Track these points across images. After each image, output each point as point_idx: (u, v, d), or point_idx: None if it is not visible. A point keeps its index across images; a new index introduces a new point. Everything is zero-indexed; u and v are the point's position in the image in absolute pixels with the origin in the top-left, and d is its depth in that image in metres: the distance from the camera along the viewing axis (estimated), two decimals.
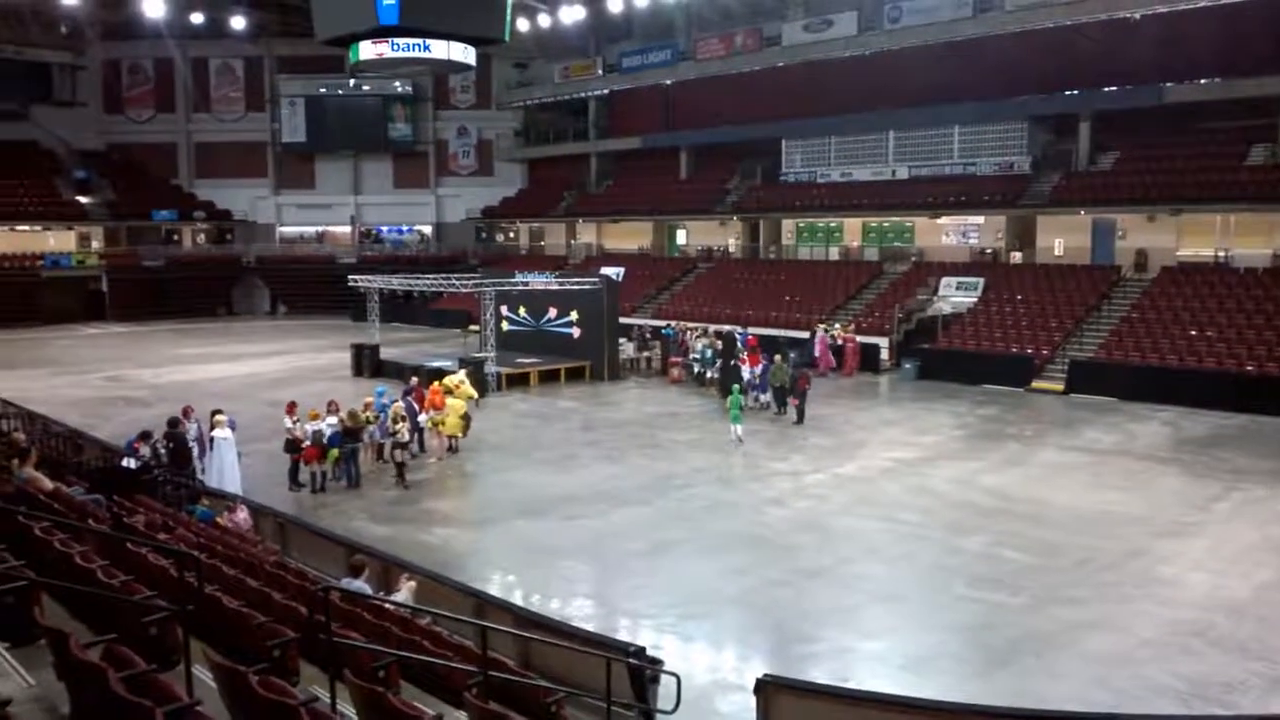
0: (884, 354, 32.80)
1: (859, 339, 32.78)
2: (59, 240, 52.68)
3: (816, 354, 32.20)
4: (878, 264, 40.10)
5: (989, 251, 37.98)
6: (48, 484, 11.19)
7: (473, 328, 35.59)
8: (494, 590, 12.69)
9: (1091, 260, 34.99)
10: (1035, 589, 13.13)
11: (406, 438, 19.14)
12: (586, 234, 54.28)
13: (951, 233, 39.64)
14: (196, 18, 50.72)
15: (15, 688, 5.62)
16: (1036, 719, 8.56)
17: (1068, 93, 36.37)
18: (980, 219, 38.55)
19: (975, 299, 34.36)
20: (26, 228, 51.64)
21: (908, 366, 31.16)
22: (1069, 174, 36.19)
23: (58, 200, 53.23)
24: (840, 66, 41.00)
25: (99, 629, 6.49)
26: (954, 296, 35.18)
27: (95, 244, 53.87)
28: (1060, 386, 28.06)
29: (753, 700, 8.75)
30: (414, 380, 23.29)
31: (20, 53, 51.43)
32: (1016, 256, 36.95)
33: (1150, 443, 22.03)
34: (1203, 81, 32.69)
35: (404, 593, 10.22)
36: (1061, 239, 36.03)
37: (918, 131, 39.95)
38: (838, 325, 34.05)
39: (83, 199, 53.78)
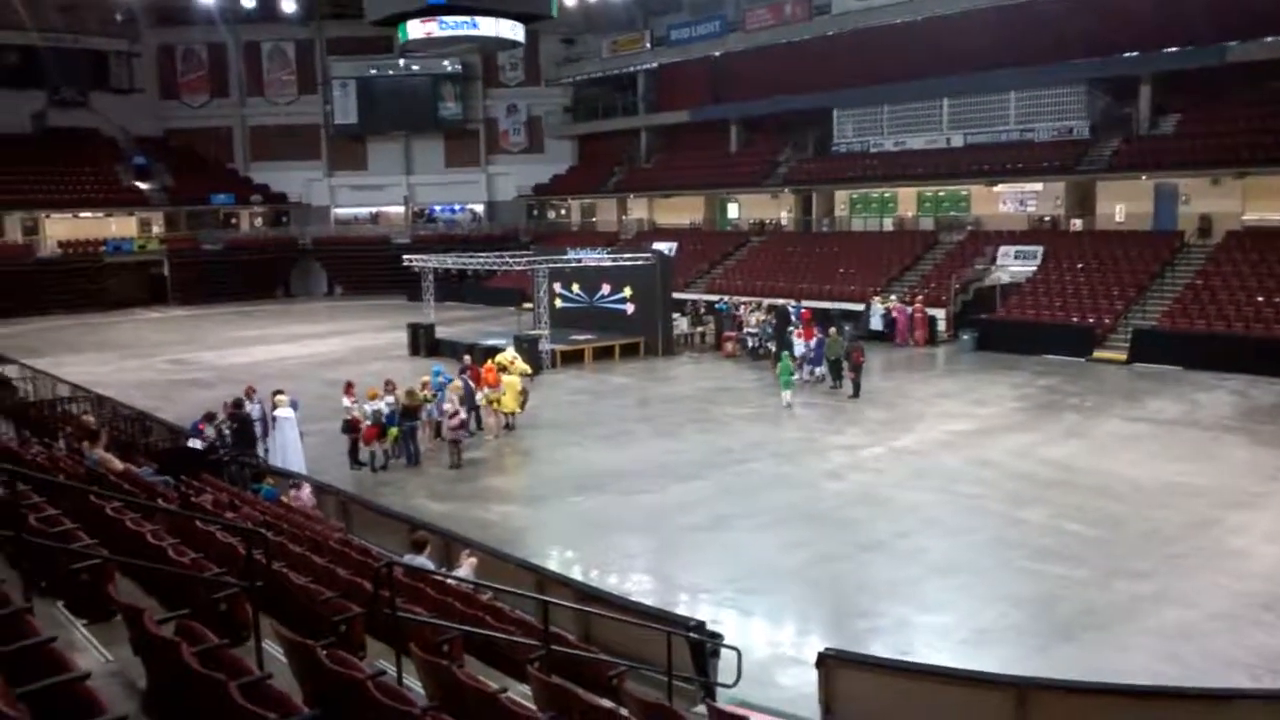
0: (941, 325, 32.45)
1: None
2: (120, 226, 53.58)
3: (885, 327, 32.27)
4: (933, 234, 39.57)
5: (1048, 219, 37.27)
6: (118, 465, 11.46)
7: (526, 305, 35.74)
8: (553, 565, 12.80)
9: (1153, 226, 34.18)
10: (1099, 562, 12.94)
11: (463, 417, 19.20)
12: (638, 209, 54.14)
13: (1009, 200, 38.94)
14: (248, 2, 51.25)
15: (94, 662, 5.76)
16: (1101, 693, 8.45)
17: (1127, 55, 35.44)
18: (1038, 186, 37.80)
19: (1034, 268, 33.79)
20: (89, 214, 52.60)
21: (965, 338, 30.77)
22: (1129, 138, 35.34)
23: (118, 186, 54.20)
24: (892, 33, 40.40)
25: (171, 605, 6.64)
26: (1012, 266, 34.64)
27: (155, 229, 54.75)
28: (1123, 356, 27.55)
29: (813, 674, 8.75)
30: (467, 359, 23.47)
31: (78, 41, 52.46)
32: (1076, 224, 36.19)
33: (1217, 412, 21.58)
34: (1268, 39, 31.68)
35: (465, 568, 10.32)
36: (1122, 205, 35.22)
37: (973, 98, 39.17)
38: (894, 297, 33.74)
39: (142, 185, 54.71)
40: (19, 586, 6.24)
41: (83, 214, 52.34)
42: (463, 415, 19.14)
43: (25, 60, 52.03)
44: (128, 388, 26.25)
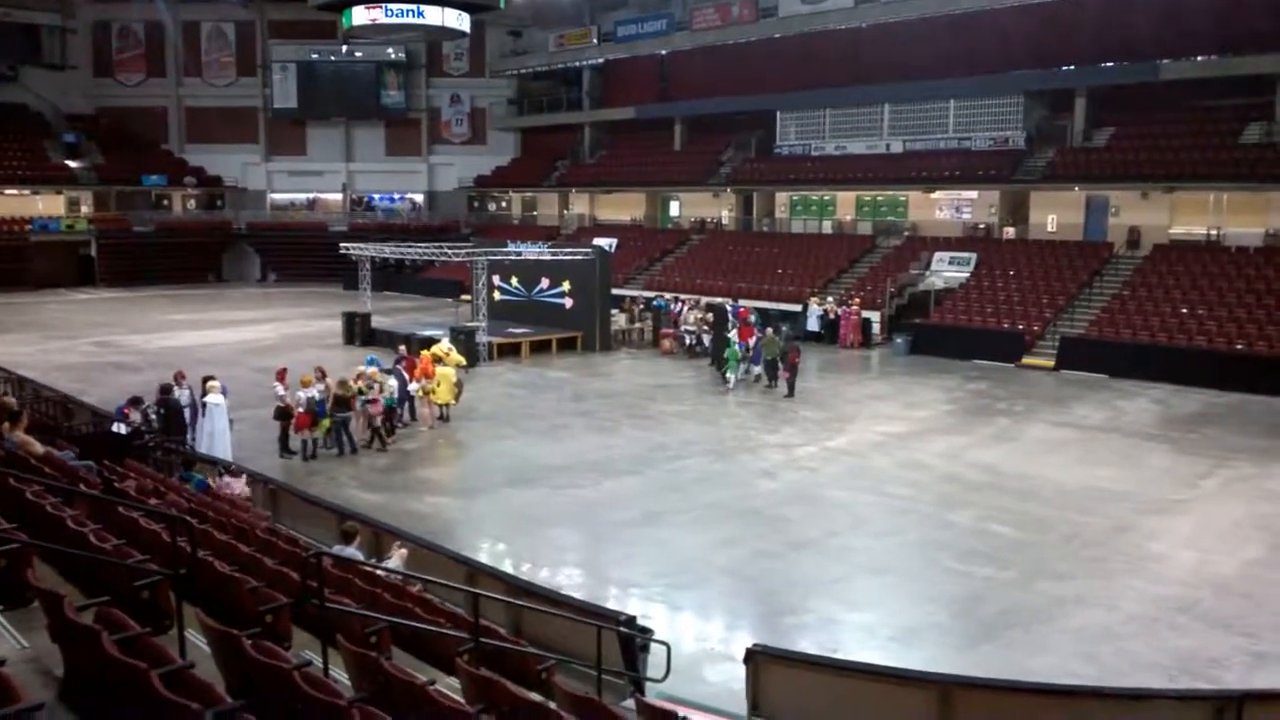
0: (875, 328, 32.84)
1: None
2: (47, 204, 52.17)
3: (821, 328, 32.63)
4: (870, 238, 40.04)
5: (982, 227, 37.93)
6: (39, 448, 11.14)
7: (465, 297, 35.50)
8: (484, 558, 12.72)
9: (1084, 237, 34.97)
10: (1023, 563, 13.22)
11: (383, 406, 19.13)
12: (579, 204, 54.06)
13: (945, 207, 39.57)
14: None
15: (9, 649, 5.62)
16: (1022, 691, 8.63)
17: (1064, 68, 36.24)
18: (974, 194, 38.47)
19: (967, 274, 34.34)
20: (15, 191, 51.10)
21: (899, 341, 31.19)
22: (1063, 150, 36.09)
23: (46, 164, 52.67)
24: (837, 38, 40.76)
25: (91, 592, 6.49)
26: (946, 271, 35.17)
27: (84, 208, 53.40)
28: (1051, 363, 28.14)
29: (741, 670, 8.81)
30: (403, 349, 23.27)
31: (9, 14, 50.84)
32: (1009, 232, 36.92)
33: (1139, 420, 22.12)
34: (1199, 58, 32.64)
35: (395, 560, 10.23)
36: (1054, 215, 35.97)
37: (913, 105, 39.75)
38: (830, 299, 34.11)
39: (72, 163, 53.25)
40: None
41: (8, 191, 50.86)
42: (382, 403, 19.00)
43: None
44: (51, 369, 25.64)
